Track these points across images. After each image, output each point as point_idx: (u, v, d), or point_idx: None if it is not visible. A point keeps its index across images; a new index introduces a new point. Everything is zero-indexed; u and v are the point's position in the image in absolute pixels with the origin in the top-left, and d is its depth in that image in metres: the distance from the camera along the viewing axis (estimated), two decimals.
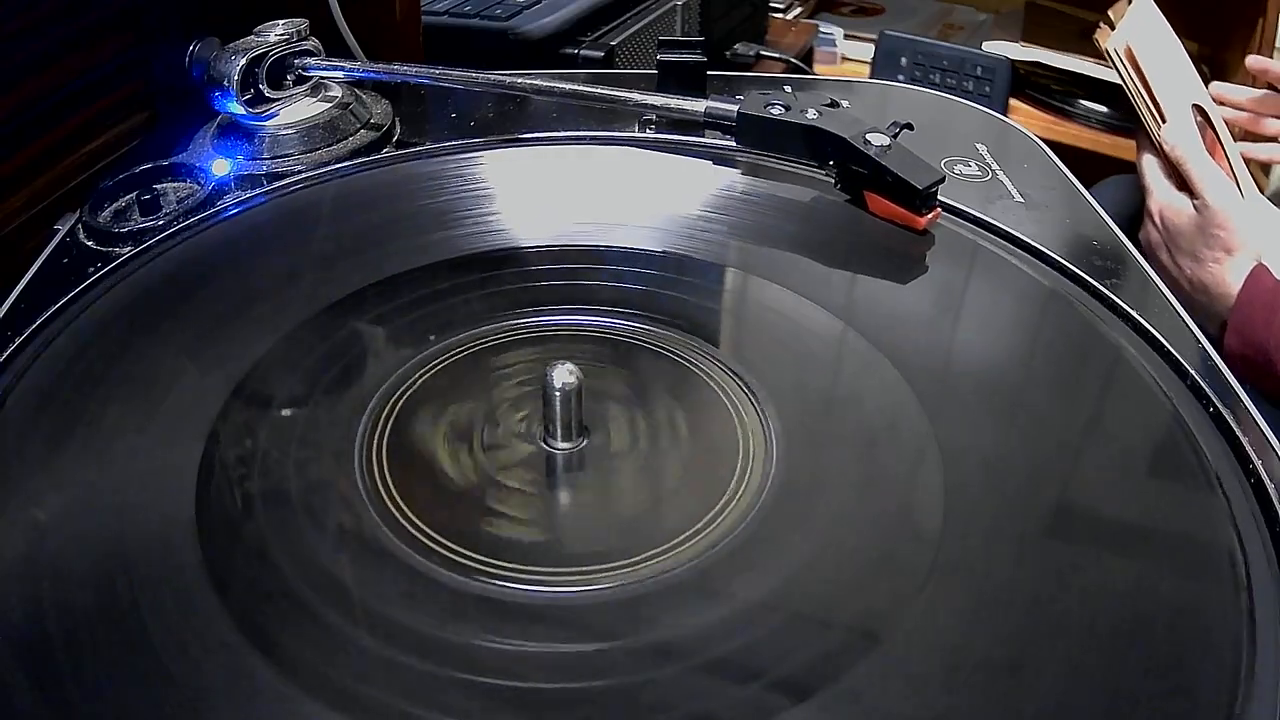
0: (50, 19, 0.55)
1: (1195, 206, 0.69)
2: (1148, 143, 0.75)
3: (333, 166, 0.55)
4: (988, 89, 1.15)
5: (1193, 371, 0.41)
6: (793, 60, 1.08)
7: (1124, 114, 1.12)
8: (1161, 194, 0.72)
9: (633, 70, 0.83)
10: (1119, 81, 0.75)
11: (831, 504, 0.37)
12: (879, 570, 0.34)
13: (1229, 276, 0.67)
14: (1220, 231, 0.68)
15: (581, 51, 0.79)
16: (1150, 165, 0.74)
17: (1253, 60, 0.82)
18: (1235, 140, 0.80)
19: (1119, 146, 1.12)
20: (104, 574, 0.33)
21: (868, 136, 0.51)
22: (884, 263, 0.49)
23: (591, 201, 0.53)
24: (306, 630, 0.32)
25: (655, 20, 0.88)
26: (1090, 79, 1.14)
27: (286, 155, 0.55)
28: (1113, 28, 0.77)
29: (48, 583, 0.33)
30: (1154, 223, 0.73)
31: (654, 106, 0.57)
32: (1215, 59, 1.20)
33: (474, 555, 0.34)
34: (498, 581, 0.33)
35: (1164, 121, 0.73)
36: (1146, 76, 0.74)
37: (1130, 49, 0.74)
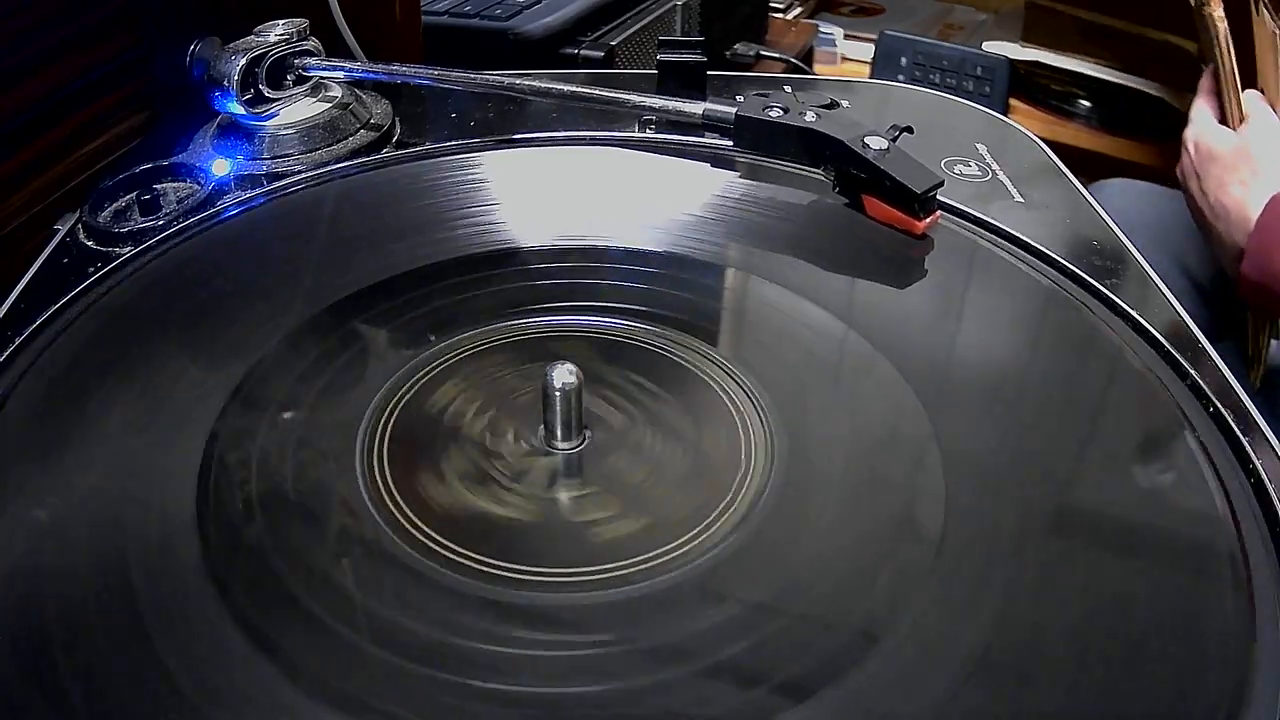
0: (50, 19, 0.55)
1: (1236, 133, 0.71)
2: (1210, 85, 0.76)
3: (333, 166, 0.55)
4: (988, 89, 1.15)
5: (1193, 371, 0.41)
6: (793, 60, 1.08)
7: (1123, 114, 1.12)
8: (1201, 123, 0.74)
9: (633, 70, 0.83)
10: (1209, 38, 0.75)
11: (832, 505, 0.37)
12: (880, 571, 0.34)
13: (1250, 200, 0.68)
14: (1253, 158, 0.69)
15: (581, 51, 0.79)
16: (1202, 105, 0.76)
17: None
18: None
19: (1119, 146, 1.12)
20: (104, 574, 0.33)
21: (866, 140, 0.50)
22: (884, 263, 0.49)
23: (592, 201, 0.53)
24: (307, 631, 0.32)
25: (655, 20, 0.88)
26: (1090, 79, 1.14)
27: (286, 155, 0.55)
28: None
29: (48, 582, 0.33)
30: (1187, 151, 0.74)
31: (652, 109, 0.57)
32: None
33: (474, 556, 0.34)
34: (497, 583, 0.33)
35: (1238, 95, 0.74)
36: (1233, 56, 0.75)
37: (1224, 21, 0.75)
